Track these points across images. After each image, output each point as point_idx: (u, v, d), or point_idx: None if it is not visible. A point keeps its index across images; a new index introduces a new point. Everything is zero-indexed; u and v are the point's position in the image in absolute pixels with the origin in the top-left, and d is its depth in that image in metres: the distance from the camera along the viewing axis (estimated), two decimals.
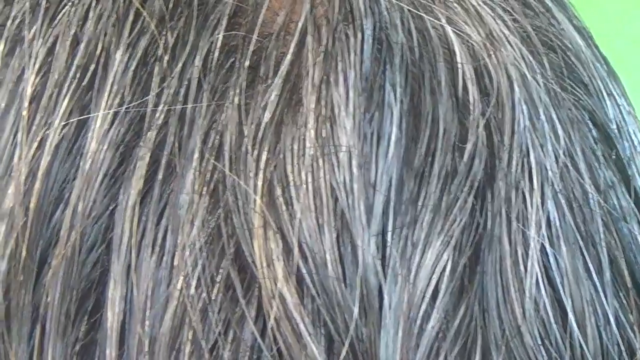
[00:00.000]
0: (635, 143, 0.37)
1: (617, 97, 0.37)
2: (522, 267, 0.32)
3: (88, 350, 0.32)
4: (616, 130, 0.36)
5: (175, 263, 0.31)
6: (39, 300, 0.32)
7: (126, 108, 0.32)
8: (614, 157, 0.36)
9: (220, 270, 0.31)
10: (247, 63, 0.32)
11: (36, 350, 0.31)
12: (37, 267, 0.32)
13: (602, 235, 0.34)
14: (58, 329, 0.31)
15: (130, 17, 0.33)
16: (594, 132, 0.36)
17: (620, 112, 0.37)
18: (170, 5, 0.33)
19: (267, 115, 0.31)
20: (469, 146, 0.32)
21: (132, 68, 0.32)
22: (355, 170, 0.31)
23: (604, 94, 0.36)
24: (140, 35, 0.33)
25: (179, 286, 0.31)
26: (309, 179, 0.31)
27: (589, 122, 0.36)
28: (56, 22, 0.33)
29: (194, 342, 0.31)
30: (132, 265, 0.31)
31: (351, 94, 0.31)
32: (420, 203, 0.32)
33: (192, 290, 0.31)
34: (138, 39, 0.33)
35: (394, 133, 0.32)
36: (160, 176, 0.32)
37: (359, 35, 0.32)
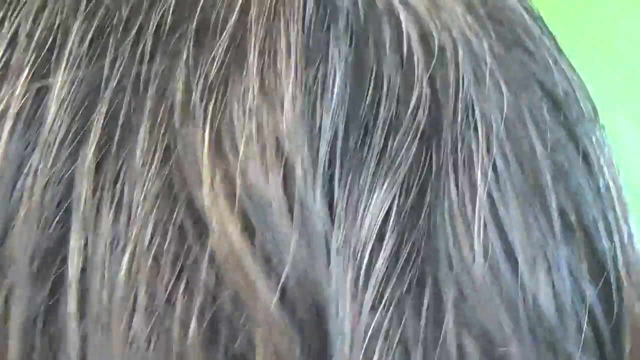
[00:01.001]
0: (583, 108, 0.38)
1: (564, 67, 0.38)
2: (469, 212, 0.33)
3: (54, 309, 0.32)
4: (563, 95, 0.37)
5: (131, 215, 0.32)
6: (4, 263, 0.33)
7: (83, 73, 0.33)
8: (562, 119, 0.37)
9: (173, 218, 0.32)
10: (194, 25, 0.34)
11: (1, 311, 0.32)
12: (2, 234, 0.33)
13: (550, 185, 0.35)
14: (24, 289, 0.32)
15: None
16: (540, 93, 0.37)
17: (567, 79, 0.38)
18: None
19: (215, 68, 0.33)
20: (413, 98, 0.33)
21: (89, 37, 0.34)
22: (299, 117, 0.32)
23: (550, 62, 0.38)
24: (96, 8, 0.34)
25: (133, 237, 0.32)
26: (254, 128, 0.32)
27: (534, 84, 0.37)
28: (21, 4, 0.35)
29: (148, 291, 0.32)
30: (91, 220, 0.32)
31: (293, 46, 0.33)
32: (365, 150, 0.33)
33: (147, 241, 0.32)
34: (95, 12, 0.34)
35: (337, 85, 0.33)
36: (117, 135, 0.33)
37: None
